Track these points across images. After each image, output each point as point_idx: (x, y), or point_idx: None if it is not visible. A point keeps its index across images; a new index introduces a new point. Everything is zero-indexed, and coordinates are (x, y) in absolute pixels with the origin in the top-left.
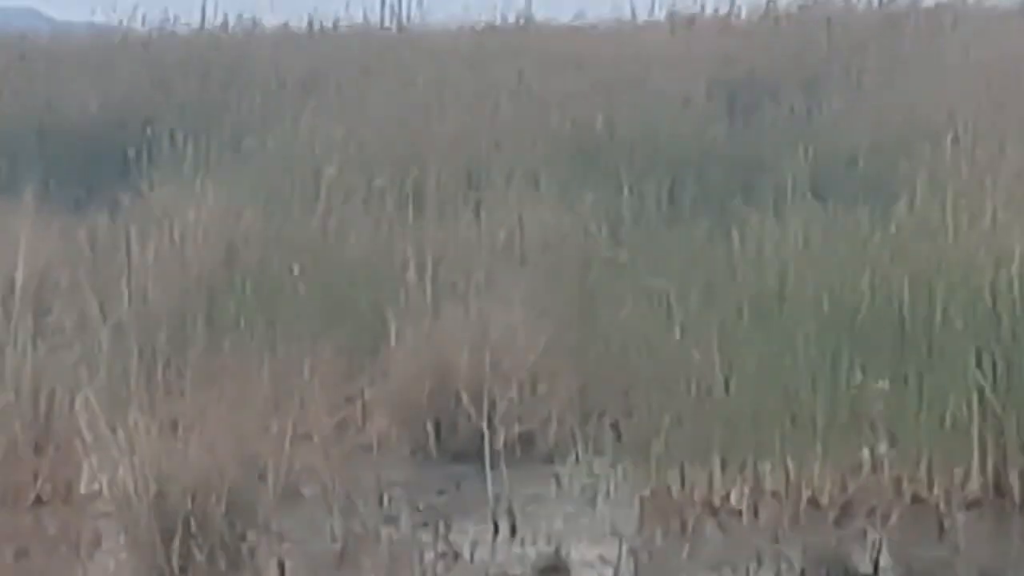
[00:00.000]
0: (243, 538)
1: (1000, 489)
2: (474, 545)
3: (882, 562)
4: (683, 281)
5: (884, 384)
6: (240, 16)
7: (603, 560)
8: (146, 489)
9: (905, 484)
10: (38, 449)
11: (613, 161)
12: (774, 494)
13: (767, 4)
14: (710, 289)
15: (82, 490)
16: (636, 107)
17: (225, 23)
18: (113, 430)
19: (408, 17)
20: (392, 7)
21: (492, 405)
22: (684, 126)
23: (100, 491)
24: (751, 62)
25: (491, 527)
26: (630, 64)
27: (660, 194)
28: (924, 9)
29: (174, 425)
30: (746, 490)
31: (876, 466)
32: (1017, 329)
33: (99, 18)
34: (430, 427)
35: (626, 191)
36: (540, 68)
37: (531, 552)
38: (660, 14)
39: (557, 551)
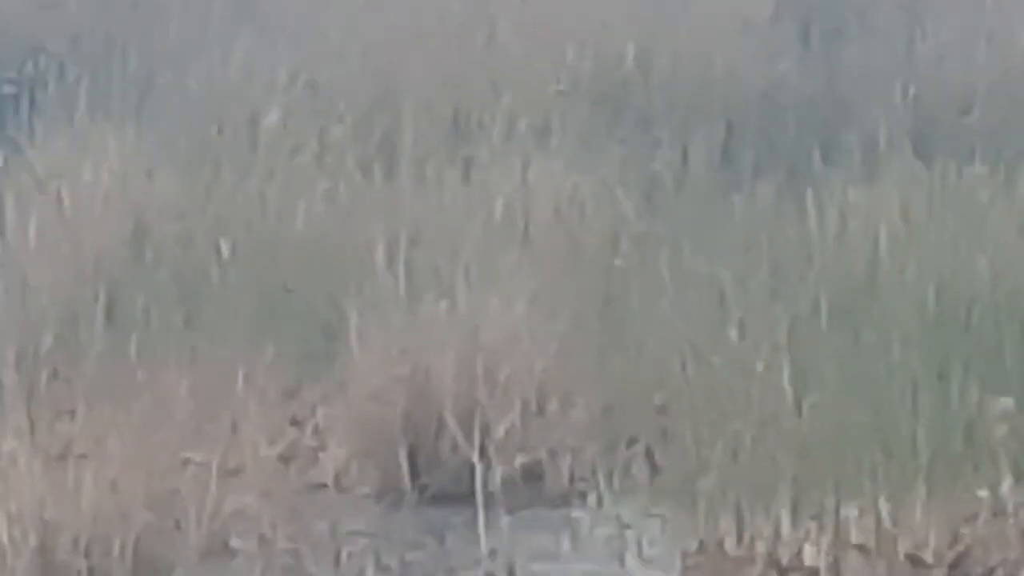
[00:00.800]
0: None
1: None
2: None
3: None
4: (741, 265)
5: (1008, 403)
6: None
7: None
8: (24, 540)
9: None
10: None
11: (647, 106)
12: (862, 548)
13: None
14: (777, 276)
15: None
16: (677, 33)
17: None
18: None
19: None
20: None
21: (486, 430)
22: (742, 58)
23: None
24: None
25: None
26: None
27: (710, 150)
28: None
29: (62, 455)
30: (825, 543)
31: (997, 511)
32: None
33: None
34: (403, 459)
35: (664, 146)
36: None
37: None
38: None
39: None
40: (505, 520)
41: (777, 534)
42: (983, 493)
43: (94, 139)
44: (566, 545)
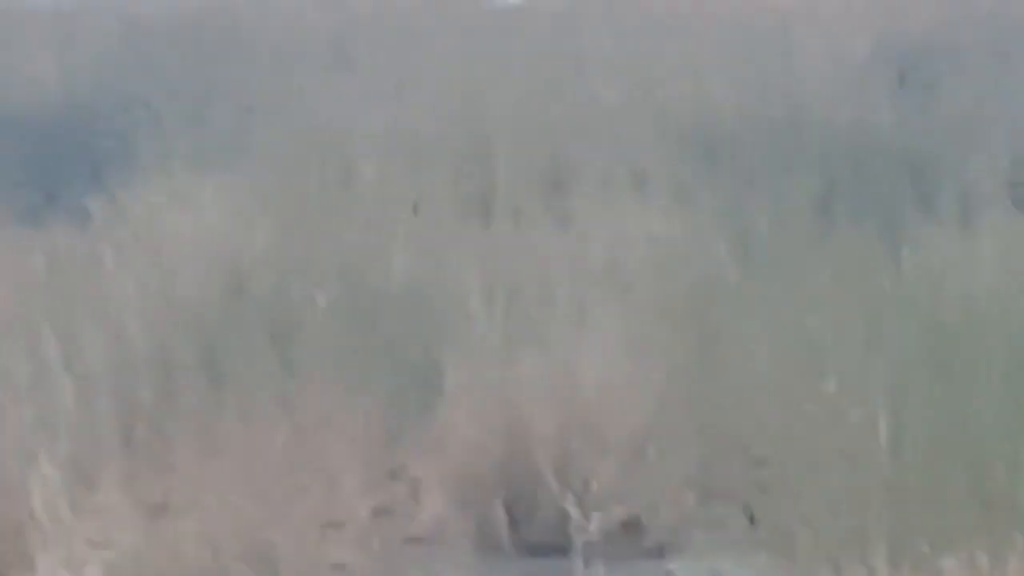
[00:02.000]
0: None
1: None
2: None
3: None
4: (838, 315)
5: None
6: None
7: None
8: None
9: None
10: None
11: (743, 155)
12: None
13: None
14: (874, 326)
15: None
16: (773, 81)
17: None
18: (79, 514)
19: None
20: None
21: (584, 481)
22: (838, 107)
23: None
24: (929, 18)
25: None
26: (764, 22)
27: (806, 199)
28: None
29: (160, 508)
30: None
31: None
32: None
33: None
34: (501, 511)
35: (759, 197)
36: (644, 30)
37: None
38: None
39: None
40: (602, 571)
41: None
42: None
43: (191, 189)
44: None
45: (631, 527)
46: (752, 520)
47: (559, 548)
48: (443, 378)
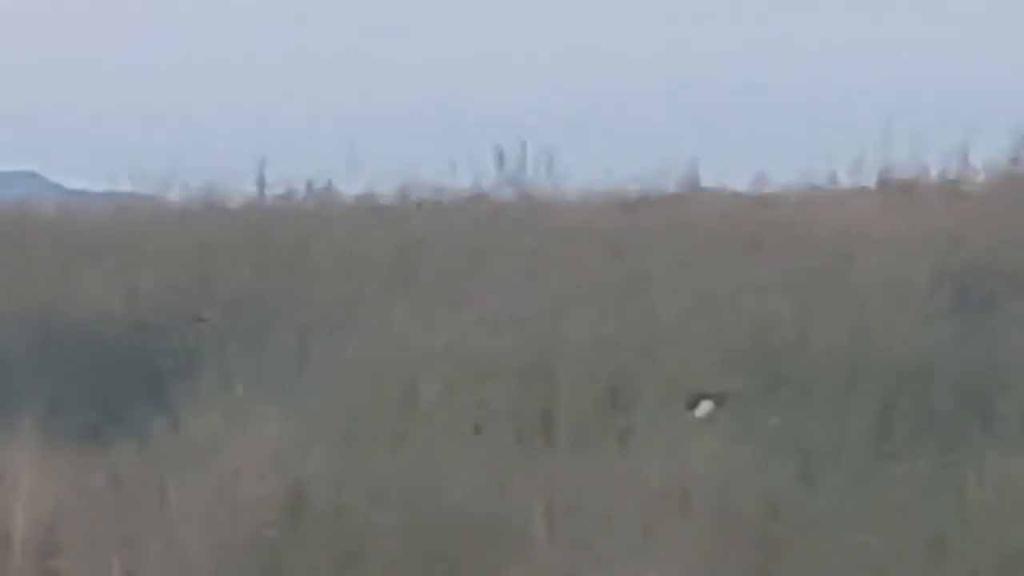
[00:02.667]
0: None
1: None
2: None
3: None
4: (900, 538)
5: None
6: (310, 183)
7: None
8: None
9: None
10: None
11: (805, 376)
12: None
13: (1009, 164)
14: (937, 548)
15: None
16: (835, 303)
17: (289, 192)
18: None
19: (534, 184)
20: (512, 171)
21: None
22: (899, 328)
23: None
24: (988, 242)
25: None
26: (827, 246)
27: (867, 420)
28: None
29: None
30: None
31: None
32: None
33: (122, 187)
34: None
35: (821, 416)
36: (707, 252)
37: None
38: (868, 179)
39: None
40: None
41: None
42: None
43: (252, 409)
44: None
45: None
46: None
47: None
48: None
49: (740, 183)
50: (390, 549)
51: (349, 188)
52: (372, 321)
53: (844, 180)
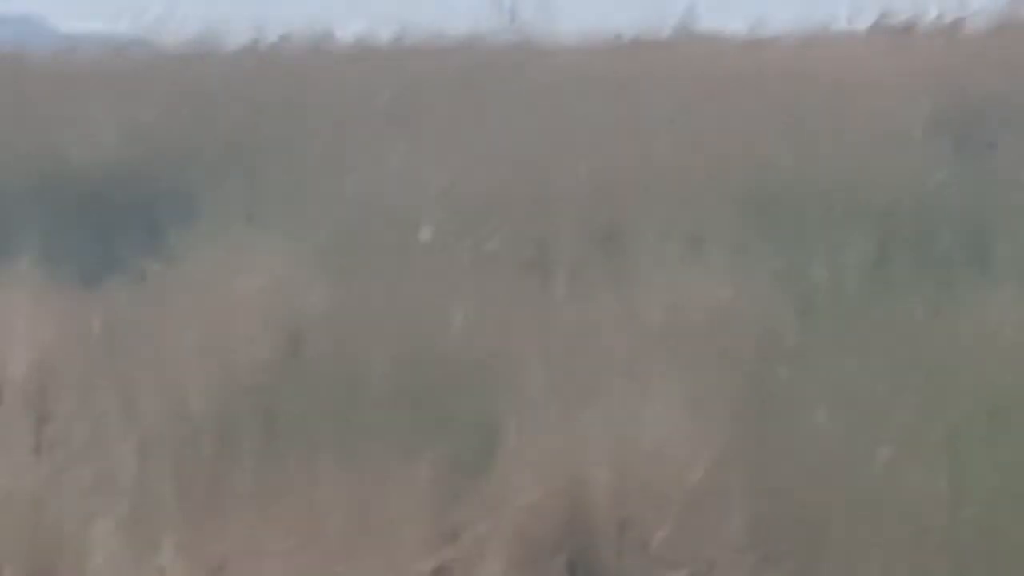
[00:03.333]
0: None
1: None
2: None
3: None
4: (896, 377)
5: None
6: (305, 27)
7: None
8: None
9: None
10: None
11: (801, 216)
12: None
13: (1008, 8)
14: (933, 387)
15: None
16: (831, 144)
17: (285, 36)
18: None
19: (529, 27)
20: (509, 13)
21: (643, 541)
22: (896, 170)
23: None
24: (985, 84)
25: None
26: (823, 88)
27: (863, 260)
28: None
29: (220, 568)
30: None
31: None
32: None
33: (118, 29)
34: (561, 570)
35: (817, 258)
36: (704, 94)
37: None
38: (864, 22)
39: None
40: None
41: None
42: None
43: (249, 249)
44: None
45: None
46: None
47: None
48: (502, 437)
49: (738, 26)
50: (386, 388)
51: (346, 32)
52: (370, 160)
53: (843, 23)
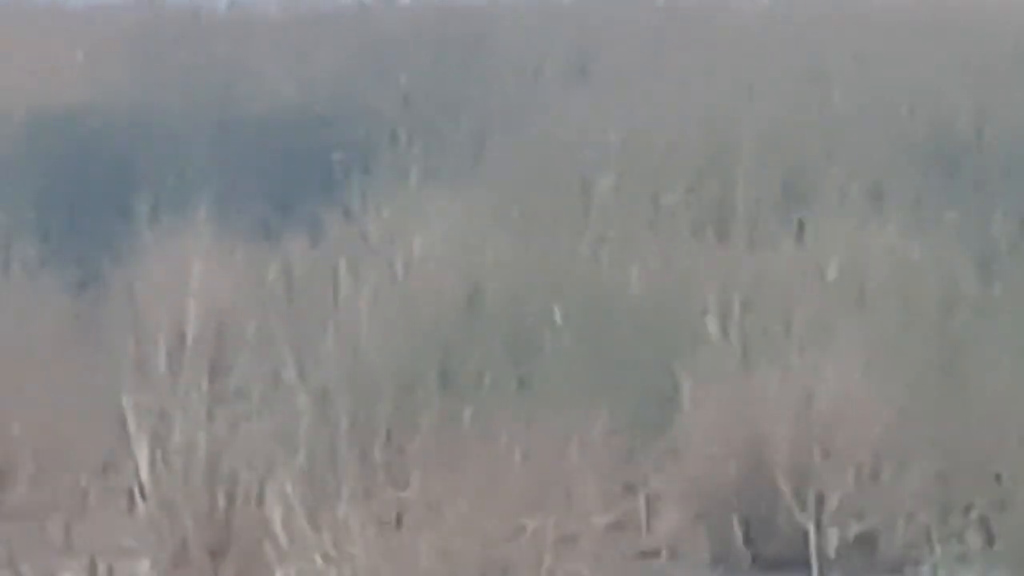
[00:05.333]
0: None
1: None
2: None
3: None
4: None
5: None
6: None
7: None
8: None
9: None
10: (215, 553)
11: (983, 169)
12: None
13: None
14: None
15: None
16: (1014, 96)
17: None
18: (316, 528)
19: None
20: None
21: (821, 496)
22: None
23: None
24: None
25: None
26: (1008, 38)
27: None
28: None
29: (397, 521)
30: None
31: None
32: None
33: None
34: (737, 525)
35: (1000, 210)
36: (886, 43)
37: None
38: None
39: None
40: None
41: None
42: None
43: (427, 203)
44: None
45: (868, 542)
46: (990, 536)
47: (796, 563)
48: (680, 393)
49: None
50: (565, 343)
51: None
52: (548, 115)
53: None
